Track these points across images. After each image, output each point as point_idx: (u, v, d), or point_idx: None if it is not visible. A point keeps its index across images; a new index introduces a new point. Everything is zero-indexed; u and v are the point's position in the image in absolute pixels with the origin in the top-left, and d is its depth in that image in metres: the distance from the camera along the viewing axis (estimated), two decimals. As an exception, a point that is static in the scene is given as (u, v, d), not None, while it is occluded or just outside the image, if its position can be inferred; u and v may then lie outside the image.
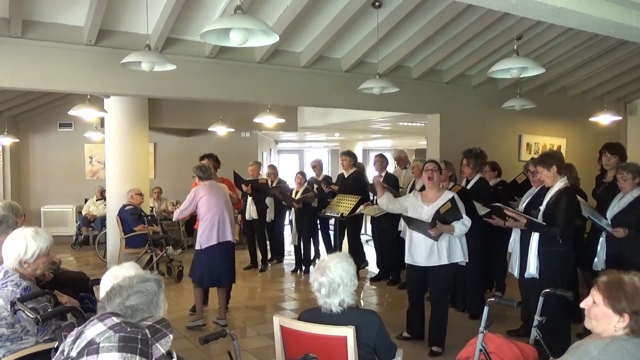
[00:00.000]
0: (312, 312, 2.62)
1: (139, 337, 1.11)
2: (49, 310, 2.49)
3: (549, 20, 2.35)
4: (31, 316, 2.36)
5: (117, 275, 2.35)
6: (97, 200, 10.56)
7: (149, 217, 7.97)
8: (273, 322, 2.67)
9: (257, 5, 4.79)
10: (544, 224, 4.03)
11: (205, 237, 5.26)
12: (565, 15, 2.36)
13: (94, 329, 1.11)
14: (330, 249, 8.11)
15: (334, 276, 2.45)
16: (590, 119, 7.90)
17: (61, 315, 2.54)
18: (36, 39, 4.81)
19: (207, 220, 5.26)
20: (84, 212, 10.61)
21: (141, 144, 8.41)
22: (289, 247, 9.36)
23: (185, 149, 11.13)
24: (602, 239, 4.77)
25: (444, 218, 4.42)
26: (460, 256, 4.56)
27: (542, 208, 4.21)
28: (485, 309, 3.11)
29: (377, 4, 5.13)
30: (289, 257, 9.00)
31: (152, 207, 9.57)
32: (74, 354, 1.08)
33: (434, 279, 4.59)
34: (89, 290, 3.90)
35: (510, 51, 4.60)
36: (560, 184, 4.14)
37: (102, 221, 9.71)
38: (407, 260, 4.71)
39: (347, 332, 2.43)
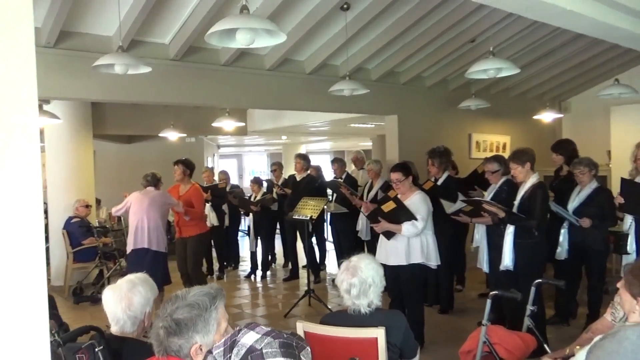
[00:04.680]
0: (337, 316, 2.61)
1: (293, 343, 1.08)
2: (67, 331, 2.31)
3: (551, 22, 2.50)
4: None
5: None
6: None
7: (100, 229, 7.60)
8: (296, 329, 2.62)
9: (227, 8, 4.71)
10: (523, 216, 4.24)
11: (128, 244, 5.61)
12: (568, 17, 2.52)
13: (248, 337, 1.07)
14: (289, 252, 8.08)
15: (365, 277, 2.45)
16: (534, 117, 8.40)
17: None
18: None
19: (130, 227, 5.60)
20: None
21: (85, 152, 7.98)
22: (243, 253, 9.27)
23: (126, 156, 10.69)
24: (563, 230, 5.08)
25: (393, 217, 4.44)
26: (418, 257, 4.46)
27: (516, 203, 4.43)
28: (488, 302, 3.22)
29: (345, 6, 5.19)
30: (244, 264, 8.90)
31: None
32: None
33: (400, 279, 4.57)
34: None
35: (485, 53, 4.78)
36: (533, 179, 4.37)
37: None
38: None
39: (379, 333, 2.44)
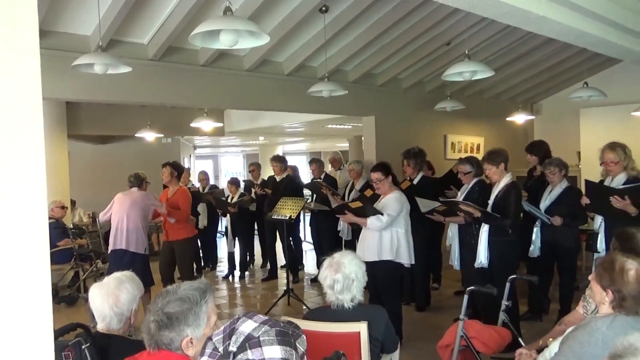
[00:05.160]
0: (320, 311, 2.67)
1: (290, 332, 1.13)
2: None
3: (524, 27, 2.60)
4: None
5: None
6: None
7: (75, 230, 7.50)
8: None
9: (207, 9, 4.72)
10: (498, 216, 4.36)
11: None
12: (541, 22, 2.63)
13: (246, 325, 1.12)
14: (268, 253, 8.11)
15: (349, 272, 2.51)
16: (507, 119, 8.61)
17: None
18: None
19: (111, 228, 5.63)
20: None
21: (60, 153, 7.88)
22: (221, 254, 9.25)
23: (101, 157, 10.56)
24: (536, 229, 5.24)
25: (361, 212, 4.64)
26: (388, 254, 4.55)
27: (490, 202, 4.56)
28: (465, 297, 3.33)
29: (323, 8, 5.26)
30: (222, 264, 8.89)
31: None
32: (233, 348, 1.09)
33: (375, 275, 4.60)
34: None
35: (460, 56, 4.90)
36: (506, 179, 4.51)
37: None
38: None
39: (361, 328, 2.51)
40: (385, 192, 4.67)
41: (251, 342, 1.08)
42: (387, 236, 4.54)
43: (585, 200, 4.59)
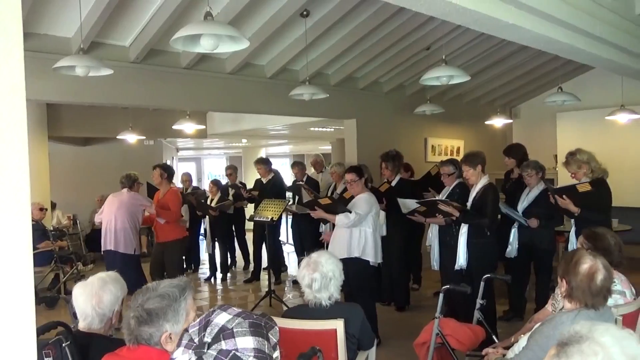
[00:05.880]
0: (299, 310, 2.72)
1: (262, 323, 1.19)
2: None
3: (493, 33, 2.71)
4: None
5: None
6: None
7: (55, 232, 7.45)
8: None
9: (189, 13, 4.76)
10: (477, 214, 4.46)
11: None
12: (511, 30, 2.74)
13: (221, 317, 1.18)
14: (254, 254, 8.13)
15: (326, 271, 2.58)
16: (486, 123, 8.77)
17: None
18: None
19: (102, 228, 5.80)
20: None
21: (40, 155, 7.81)
22: (203, 256, 9.24)
23: (81, 159, 10.48)
24: (514, 230, 5.36)
25: (331, 209, 4.84)
26: (355, 251, 4.69)
27: (469, 203, 4.66)
28: (441, 296, 3.41)
29: (304, 13, 5.33)
30: (204, 266, 8.88)
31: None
32: (208, 339, 1.15)
33: (346, 273, 4.77)
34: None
35: (439, 61, 5.00)
36: (484, 180, 4.61)
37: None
38: None
39: (337, 325, 2.57)
40: (357, 192, 4.85)
41: (225, 333, 1.14)
42: (356, 234, 4.71)
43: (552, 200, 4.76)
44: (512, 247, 5.31)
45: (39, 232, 7.15)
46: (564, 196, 4.47)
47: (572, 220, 4.75)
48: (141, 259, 6.30)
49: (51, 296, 6.56)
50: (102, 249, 5.75)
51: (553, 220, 5.23)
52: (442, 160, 5.78)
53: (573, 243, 4.68)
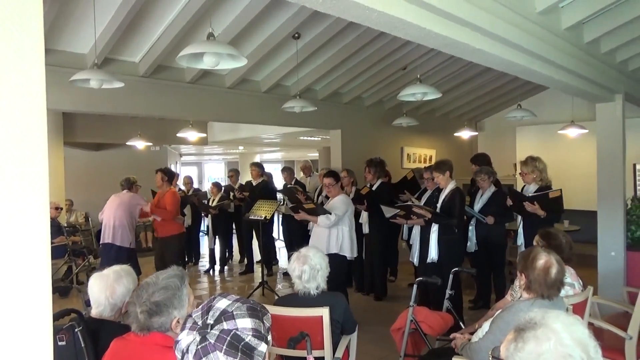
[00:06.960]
0: (289, 298, 2.72)
1: (258, 308, 1.20)
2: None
3: (458, 54, 2.75)
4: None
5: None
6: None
7: (69, 228, 7.37)
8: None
9: (193, 32, 4.74)
10: (445, 215, 4.50)
11: None
12: (478, 54, 2.78)
13: (221, 302, 1.18)
14: (245, 249, 8.11)
15: (314, 263, 2.58)
16: (455, 134, 8.84)
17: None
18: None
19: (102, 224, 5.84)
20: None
21: (56, 159, 7.71)
22: (203, 250, 9.19)
23: (94, 163, 10.36)
24: (471, 227, 5.39)
25: (313, 212, 4.88)
26: (334, 247, 4.69)
27: (439, 205, 4.70)
28: (414, 287, 3.43)
29: (296, 35, 5.34)
30: (204, 260, 8.83)
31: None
32: (211, 321, 1.16)
33: None
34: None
35: (414, 79, 5.03)
36: (451, 185, 4.66)
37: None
38: None
39: (324, 312, 2.57)
40: (334, 195, 4.89)
41: (226, 315, 1.15)
42: (334, 232, 4.74)
43: (509, 202, 4.84)
44: (472, 242, 5.35)
45: (55, 228, 7.05)
46: (535, 202, 4.51)
47: (520, 218, 4.89)
48: (146, 253, 6.30)
49: (65, 286, 6.47)
50: (100, 242, 5.82)
51: (505, 218, 5.29)
52: (425, 166, 5.88)
53: (520, 236, 4.82)
